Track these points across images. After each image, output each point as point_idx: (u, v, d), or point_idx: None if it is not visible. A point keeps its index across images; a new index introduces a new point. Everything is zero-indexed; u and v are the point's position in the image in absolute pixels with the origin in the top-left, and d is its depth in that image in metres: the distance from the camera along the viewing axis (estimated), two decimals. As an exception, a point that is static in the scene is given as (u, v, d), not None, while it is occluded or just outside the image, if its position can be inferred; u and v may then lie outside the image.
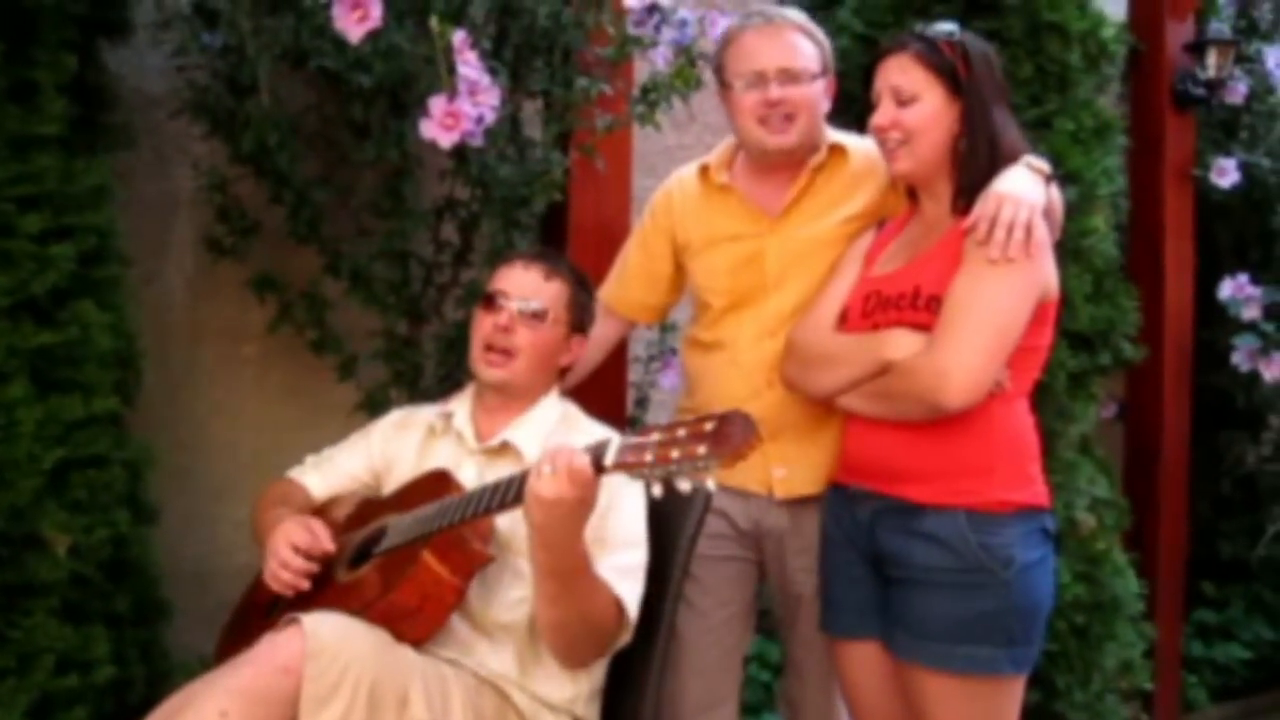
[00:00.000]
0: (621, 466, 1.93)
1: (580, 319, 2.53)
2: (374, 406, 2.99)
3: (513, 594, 2.34)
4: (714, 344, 2.69)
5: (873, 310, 2.41)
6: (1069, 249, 3.26)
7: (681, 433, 1.85)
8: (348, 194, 2.98)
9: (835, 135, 2.68)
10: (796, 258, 2.61)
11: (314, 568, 2.33)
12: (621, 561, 2.28)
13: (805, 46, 2.57)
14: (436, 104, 2.43)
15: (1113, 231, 3.64)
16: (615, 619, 2.25)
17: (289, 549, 2.31)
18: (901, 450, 2.37)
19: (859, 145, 2.64)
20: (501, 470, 2.30)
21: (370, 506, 2.49)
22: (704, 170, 2.75)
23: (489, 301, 2.47)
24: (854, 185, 2.64)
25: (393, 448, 2.56)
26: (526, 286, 2.46)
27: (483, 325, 2.46)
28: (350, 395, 3.08)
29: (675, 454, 1.83)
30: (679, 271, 2.79)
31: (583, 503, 2.01)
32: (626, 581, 2.27)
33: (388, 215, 2.94)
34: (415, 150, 2.84)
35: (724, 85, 2.65)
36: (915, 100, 2.36)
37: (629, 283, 2.84)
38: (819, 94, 2.62)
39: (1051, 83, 3.47)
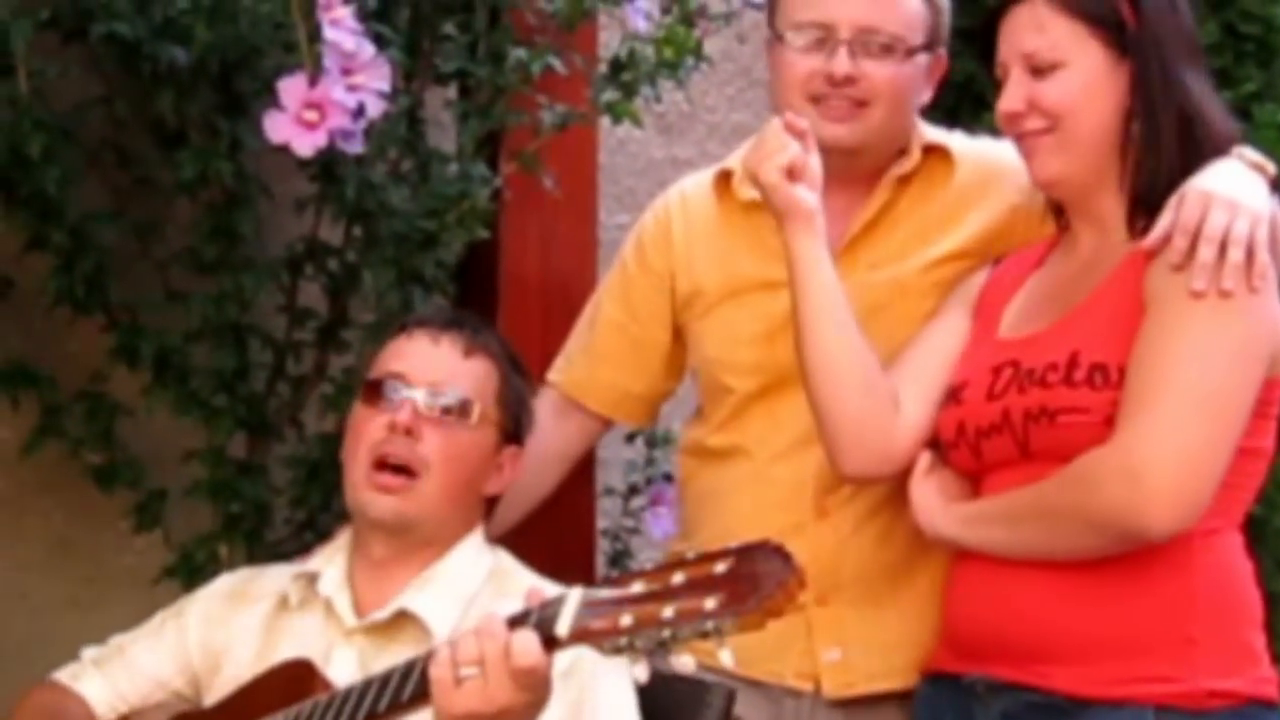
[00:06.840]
0: (585, 635, 1.72)
1: (516, 420, 2.26)
2: (191, 572, 2.65)
3: None
4: (731, 452, 2.43)
5: (1006, 388, 2.17)
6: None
7: (678, 578, 1.66)
8: (151, 235, 2.67)
9: (933, 133, 2.43)
10: (866, 314, 2.31)
11: None
12: None
13: (912, 1, 2.37)
14: (291, 89, 2.24)
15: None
16: None
17: None
18: (1048, 611, 2.11)
19: (969, 148, 2.41)
20: (398, 657, 1.98)
21: (186, 729, 2.25)
22: (723, 179, 2.46)
23: (376, 392, 2.20)
24: (960, 206, 2.38)
25: (220, 634, 2.26)
26: (437, 368, 2.21)
27: (368, 428, 2.19)
28: (154, 554, 2.74)
29: (669, 612, 1.63)
30: (680, 341, 2.51)
31: (529, 708, 1.79)
32: None
33: (214, 268, 2.62)
34: (257, 165, 2.59)
35: (773, 36, 2.39)
36: (1059, 66, 2.15)
37: (599, 358, 2.55)
38: (916, 76, 2.36)
39: (1249, 52, 3.32)
